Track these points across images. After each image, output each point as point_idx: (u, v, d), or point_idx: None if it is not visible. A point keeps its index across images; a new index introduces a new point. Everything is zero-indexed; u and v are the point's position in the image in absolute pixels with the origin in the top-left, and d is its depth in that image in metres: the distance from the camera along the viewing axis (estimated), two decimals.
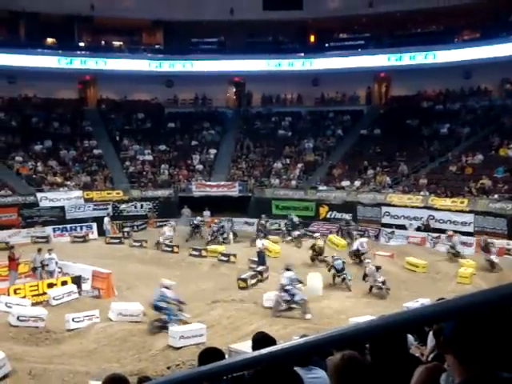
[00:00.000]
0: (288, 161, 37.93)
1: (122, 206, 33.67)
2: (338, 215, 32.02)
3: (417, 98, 40.13)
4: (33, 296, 19.60)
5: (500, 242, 26.07)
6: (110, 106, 41.80)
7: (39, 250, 22.51)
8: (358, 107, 41.75)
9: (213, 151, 39.35)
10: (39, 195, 32.11)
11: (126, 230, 31.58)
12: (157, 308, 17.22)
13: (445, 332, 1.97)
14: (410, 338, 6.03)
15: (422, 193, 30.80)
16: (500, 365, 1.90)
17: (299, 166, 37.00)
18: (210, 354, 4.19)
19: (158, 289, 17.55)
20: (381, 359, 3.27)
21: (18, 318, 16.76)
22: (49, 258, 22.04)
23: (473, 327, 1.82)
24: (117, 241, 29.48)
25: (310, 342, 2.14)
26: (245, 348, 11.16)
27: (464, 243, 27.28)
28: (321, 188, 34.19)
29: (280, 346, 2.36)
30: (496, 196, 28.17)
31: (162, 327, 16.67)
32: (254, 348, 4.26)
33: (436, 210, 29.18)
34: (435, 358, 4.87)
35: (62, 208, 32.09)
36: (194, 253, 26.58)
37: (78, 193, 33.07)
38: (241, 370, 3.52)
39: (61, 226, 31.14)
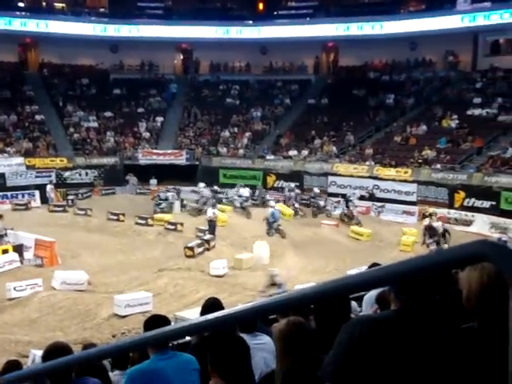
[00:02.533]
0: (236, 129, 37.78)
1: (66, 174, 32.91)
2: (286, 184, 32.21)
3: (364, 69, 40.44)
4: None
5: (441, 211, 26.83)
6: (53, 71, 40.46)
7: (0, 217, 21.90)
8: (305, 77, 41.76)
9: (160, 119, 38.79)
10: None
11: (70, 197, 30.90)
12: None
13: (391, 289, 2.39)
14: (354, 304, 6.11)
15: (367, 163, 31.26)
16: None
17: (247, 134, 36.92)
18: (155, 321, 4.13)
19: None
20: (325, 324, 3.28)
21: None
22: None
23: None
24: (60, 209, 28.84)
25: (255, 307, 2.11)
26: (191, 315, 11.16)
27: (407, 212, 28.02)
28: (268, 157, 34.25)
29: (225, 311, 2.31)
30: (438, 166, 28.86)
31: None
32: (203, 313, 4.23)
33: (381, 179, 29.71)
34: None
35: (3, 175, 31.10)
36: (141, 221, 26.32)
37: (20, 159, 32.08)
38: (185, 336, 3.50)
39: (1, 194, 30.24)
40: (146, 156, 35.09)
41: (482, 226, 25.26)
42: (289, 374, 2.96)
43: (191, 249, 21.48)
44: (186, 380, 3.80)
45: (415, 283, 2.28)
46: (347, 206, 27.59)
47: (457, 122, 32.21)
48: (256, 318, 4.42)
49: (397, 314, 2.30)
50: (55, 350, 3.61)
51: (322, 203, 28.95)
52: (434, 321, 2.34)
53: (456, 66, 37.69)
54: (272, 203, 26.39)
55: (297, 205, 28.97)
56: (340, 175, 31.10)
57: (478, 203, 26.43)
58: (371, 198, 29.53)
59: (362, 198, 29.81)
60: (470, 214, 26.20)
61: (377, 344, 2.15)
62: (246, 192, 29.40)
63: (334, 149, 33.64)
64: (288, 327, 2.98)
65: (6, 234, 21.50)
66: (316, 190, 29.98)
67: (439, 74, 37.66)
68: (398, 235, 24.44)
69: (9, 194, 30.41)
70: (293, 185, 31.21)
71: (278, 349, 3.06)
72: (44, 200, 30.27)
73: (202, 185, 30.72)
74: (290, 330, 2.97)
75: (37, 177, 31.87)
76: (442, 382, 2.19)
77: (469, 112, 32.66)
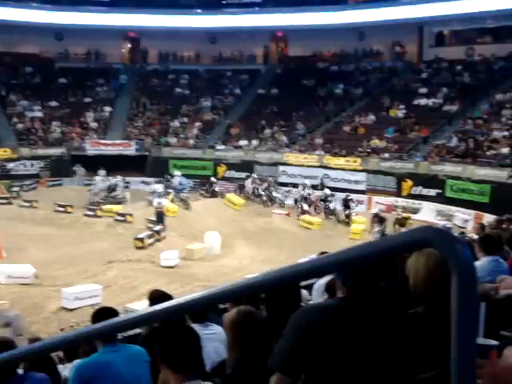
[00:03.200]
0: (186, 119, 37.50)
1: (10, 165, 32.02)
2: (236, 174, 32.20)
3: (313, 59, 40.68)
4: None
5: (389, 200, 27.36)
6: None
7: None
8: (255, 66, 41.77)
9: (107, 109, 38.12)
10: None
11: (14, 189, 30.10)
12: None
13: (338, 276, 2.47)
14: (304, 292, 6.18)
15: (317, 152, 31.53)
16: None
17: (197, 124, 36.70)
18: (103, 314, 4.07)
19: None
20: (276, 313, 3.30)
21: None
22: None
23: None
24: (5, 201, 28.07)
25: (204, 297, 2.10)
26: (141, 307, 11.06)
27: (356, 201, 28.39)
28: (218, 147, 34.15)
29: (173, 301, 2.29)
30: (386, 155, 29.36)
31: None
32: (151, 305, 4.19)
33: (330, 168, 30.03)
34: None
35: None
36: (89, 213, 25.89)
37: None
38: (133, 328, 3.46)
39: None
40: (93, 146, 34.47)
41: (429, 214, 25.87)
42: (240, 362, 2.96)
43: (141, 240, 21.28)
44: (136, 372, 3.77)
45: (360, 271, 2.33)
46: (347, 206, 26.30)
47: (404, 111, 32.82)
48: (205, 308, 4.41)
49: (342, 302, 2.36)
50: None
51: (274, 193, 29.04)
52: (378, 307, 2.38)
53: (403, 57, 38.38)
54: (177, 172, 26.16)
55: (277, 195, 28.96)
56: (290, 165, 31.28)
57: (425, 191, 27.06)
58: (322, 187, 29.79)
59: (313, 187, 30.06)
60: (417, 201, 26.79)
61: (323, 332, 2.18)
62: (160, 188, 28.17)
63: (284, 138, 33.79)
64: (239, 316, 2.99)
65: None
66: (270, 179, 30.11)
67: (386, 64, 38.25)
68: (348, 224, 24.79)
69: None
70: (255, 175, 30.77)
71: (229, 338, 3.06)
72: None
73: (102, 172, 30.52)
74: (240, 319, 2.98)
75: None
76: (388, 365, 2.24)
77: (415, 102, 33.32)
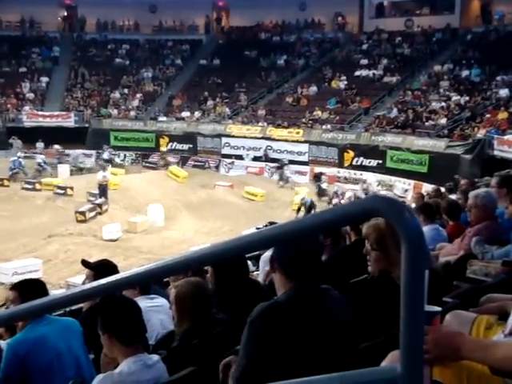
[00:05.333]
0: (126, 91, 36.73)
1: None
2: (179, 146, 31.91)
3: (255, 29, 40.40)
4: None
5: (331, 171, 27.71)
6: None
7: None
8: (196, 37, 41.15)
9: (44, 79, 36.88)
10: None
11: None
12: None
13: (273, 251, 2.34)
14: (249, 263, 6.21)
15: (260, 124, 31.52)
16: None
17: (138, 96, 36.02)
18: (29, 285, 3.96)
19: None
20: (224, 284, 3.31)
21: None
22: None
23: (292, 245, 2.19)
24: None
25: (152, 269, 2.05)
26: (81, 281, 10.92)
27: (299, 172, 28.70)
28: (161, 119, 33.67)
29: (118, 275, 2.25)
30: (329, 126, 29.63)
31: None
32: (98, 274, 4.11)
33: (274, 140, 30.11)
34: (272, 281, 5.06)
35: None
36: (27, 186, 25.15)
37: None
38: (81, 302, 3.41)
39: None
40: (30, 118, 33.39)
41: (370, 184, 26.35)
42: (188, 333, 2.96)
43: (82, 213, 20.91)
44: (71, 343, 3.71)
45: (303, 258, 2.23)
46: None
47: (345, 83, 33.10)
48: (152, 281, 4.37)
49: (294, 296, 2.23)
50: None
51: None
52: (327, 289, 2.33)
53: (344, 28, 38.57)
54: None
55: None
56: (233, 136, 31.18)
57: (366, 162, 27.50)
58: (266, 158, 29.89)
59: (255, 158, 30.15)
60: (358, 172, 27.22)
61: (283, 333, 2.09)
62: None
63: (227, 110, 33.61)
64: (186, 288, 2.98)
65: None
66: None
67: (328, 35, 38.38)
68: (291, 195, 25.01)
69: None
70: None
71: (176, 310, 3.05)
72: None
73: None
74: (188, 290, 2.97)
75: None
76: (343, 344, 2.22)
77: (356, 73, 33.65)
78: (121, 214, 22.00)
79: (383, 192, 23.73)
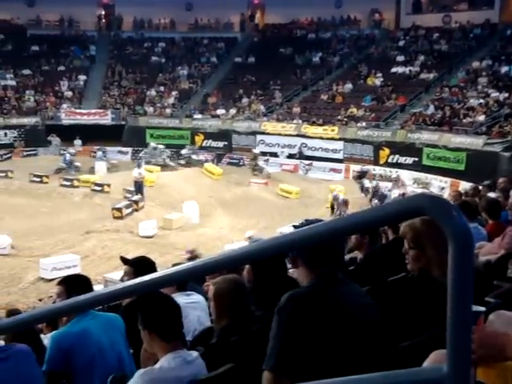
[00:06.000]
0: (162, 88, 37.04)
1: None
2: (214, 144, 32.05)
3: (290, 27, 40.30)
4: None
5: (366, 168, 27.49)
6: None
7: None
8: (232, 34, 41.25)
9: (82, 77, 37.46)
10: None
11: None
12: None
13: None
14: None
15: (295, 121, 31.45)
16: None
17: (174, 93, 36.30)
18: (76, 281, 4.06)
19: None
20: (262, 281, 3.31)
21: None
22: None
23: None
24: None
25: (192, 267, 2.08)
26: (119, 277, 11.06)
27: (333, 170, 28.56)
28: (196, 116, 33.87)
29: (162, 272, 2.27)
30: (364, 124, 29.41)
31: None
32: (137, 270, 4.16)
33: (308, 137, 30.01)
34: None
35: None
36: (66, 183, 25.59)
37: None
38: (123, 298, 3.45)
39: None
40: (69, 116, 33.98)
41: (406, 182, 26.05)
42: (226, 330, 2.98)
43: (119, 210, 21.17)
44: (114, 338, 3.77)
45: (326, 249, 2.32)
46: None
47: (381, 79, 32.80)
48: (193, 279, 4.41)
49: (318, 285, 2.30)
50: None
51: (259, 163, 29.02)
52: (349, 282, 2.41)
53: (380, 25, 38.20)
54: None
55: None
56: (268, 134, 31.18)
57: (402, 159, 27.20)
58: (300, 156, 29.82)
59: (290, 156, 30.11)
60: (394, 170, 26.94)
61: (310, 320, 2.13)
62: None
63: (262, 107, 33.62)
64: (225, 285, 3.00)
65: None
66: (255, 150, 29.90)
67: (364, 32, 38.06)
68: (326, 192, 24.90)
69: None
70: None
71: (215, 306, 3.08)
72: None
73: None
74: (227, 287, 2.99)
75: None
76: (374, 339, 2.23)
77: (393, 70, 33.31)
78: (156, 211, 22.21)
79: (419, 190, 23.42)
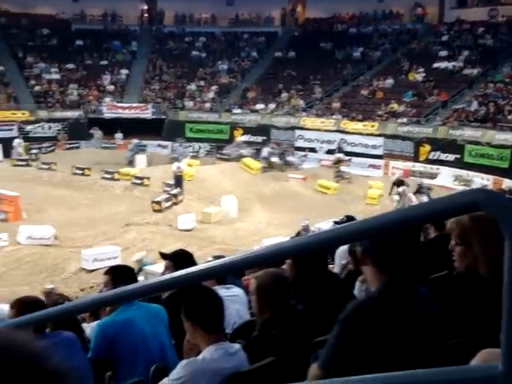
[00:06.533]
0: (202, 83, 37.24)
1: (29, 127, 32.12)
2: (253, 138, 32.08)
3: (331, 21, 40.01)
4: None
5: (406, 165, 27.16)
6: (11, 20, 38.96)
7: None
8: (272, 29, 41.18)
9: (124, 71, 37.94)
10: None
11: (33, 152, 30.25)
12: None
13: (365, 245, 2.29)
14: None
15: (334, 116, 31.26)
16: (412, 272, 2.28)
17: (213, 88, 36.45)
18: (121, 270, 4.15)
19: None
20: (303, 276, 3.31)
21: None
22: None
23: (387, 239, 2.17)
24: (24, 163, 28.27)
25: (233, 261, 2.09)
26: (160, 269, 11.18)
27: (372, 166, 28.28)
28: (235, 111, 33.96)
29: (203, 265, 2.30)
30: (404, 120, 29.03)
31: None
32: (177, 263, 4.22)
33: (348, 133, 29.79)
34: (348, 274, 5.04)
35: None
36: (107, 176, 25.99)
37: None
38: (167, 290, 3.50)
39: None
40: (110, 109, 34.46)
41: (446, 179, 25.66)
42: (268, 323, 2.99)
43: (158, 203, 21.40)
44: (157, 329, 3.83)
45: (398, 252, 2.21)
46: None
47: (423, 75, 32.31)
48: (234, 272, 4.44)
49: (386, 291, 2.21)
50: (29, 303, 3.58)
51: (291, 158, 28.95)
52: (414, 284, 2.30)
53: (423, 19, 37.61)
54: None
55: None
56: (307, 129, 31.07)
57: (443, 156, 26.78)
58: (339, 151, 29.59)
59: (329, 151, 29.93)
60: (434, 167, 26.55)
61: (375, 328, 2.08)
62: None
63: (301, 102, 33.51)
64: (267, 278, 3.01)
65: None
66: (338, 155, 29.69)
67: (406, 26, 37.54)
68: (365, 189, 24.70)
69: None
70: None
71: (257, 300, 3.09)
72: (6, 154, 29.59)
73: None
74: (269, 281, 3.00)
75: None
76: (429, 340, 2.18)
77: (435, 65, 32.76)
78: (195, 205, 22.38)
79: (460, 187, 22.99)
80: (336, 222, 6.93)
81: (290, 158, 28.88)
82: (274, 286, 3.01)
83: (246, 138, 30.98)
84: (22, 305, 3.66)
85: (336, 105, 32.32)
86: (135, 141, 30.54)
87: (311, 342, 2.73)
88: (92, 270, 15.15)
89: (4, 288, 14.13)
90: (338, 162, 27.44)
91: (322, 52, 37.23)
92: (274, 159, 28.28)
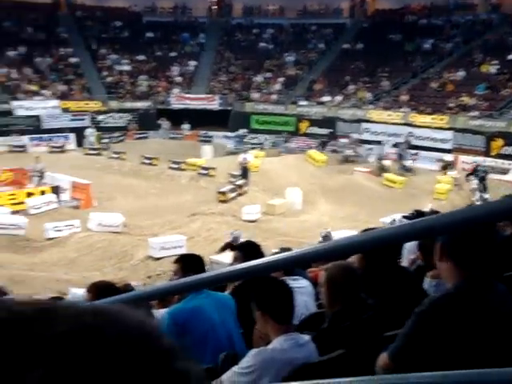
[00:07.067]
0: (269, 74, 37.31)
1: (100, 117, 33.09)
2: (319, 130, 31.94)
3: (401, 12, 39.23)
4: (11, 205, 19.51)
5: (476, 159, 26.37)
6: (86, 13, 40.16)
7: (37, 158, 22.58)
8: (340, 20, 40.74)
9: (192, 63, 38.47)
10: (14, 103, 31.37)
11: (104, 141, 31.16)
12: None
13: (443, 240, 2.25)
14: None
15: (402, 109, 30.71)
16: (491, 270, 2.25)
17: (280, 80, 36.45)
18: (190, 259, 4.25)
19: None
20: (373, 269, 3.32)
21: None
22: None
23: (467, 235, 2.15)
24: (95, 152, 29.16)
25: (303, 254, 2.12)
26: (225, 259, 11.35)
27: (442, 160, 27.61)
28: (301, 103, 33.86)
29: (272, 257, 2.34)
30: (476, 113, 28.20)
31: None
32: (245, 254, 4.29)
33: (416, 126, 29.21)
34: (417, 269, 4.98)
35: (38, 117, 31.43)
36: (173, 166, 26.48)
37: (55, 102, 32.34)
38: (236, 280, 3.58)
39: (36, 136, 30.59)
40: (178, 100, 35.03)
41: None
42: (337, 316, 3.02)
43: (224, 194, 21.63)
44: (224, 317, 3.91)
45: (479, 249, 2.17)
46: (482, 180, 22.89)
47: (497, 67, 31.25)
48: (307, 264, 4.46)
49: (464, 288, 2.19)
50: (104, 288, 3.74)
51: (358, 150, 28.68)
52: (492, 281, 2.26)
53: (498, 9, 36.32)
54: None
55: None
56: (374, 122, 30.65)
57: None
58: (406, 146, 29.05)
59: (396, 145, 29.42)
60: (506, 162, 25.68)
61: (451, 325, 2.07)
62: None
63: (369, 95, 33.07)
64: (337, 271, 3.04)
65: (43, 176, 22.00)
66: (353, 136, 29.48)
67: (480, 16, 36.37)
68: (432, 183, 24.17)
69: (44, 136, 30.77)
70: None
71: (326, 292, 3.12)
72: (79, 143, 30.61)
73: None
74: (339, 273, 3.03)
75: (72, 120, 32.15)
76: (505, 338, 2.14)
77: (510, 57, 31.60)
78: (260, 196, 22.48)
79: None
80: (405, 217, 6.85)
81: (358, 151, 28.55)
82: (344, 278, 3.03)
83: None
84: (98, 289, 3.82)
85: (404, 97, 31.74)
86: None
87: (381, 336, 2.73)
88: (159, 258, 15.49)
89: (76, 273, 14.67)
90: (446, 166, 26.52)
91: (390, 44, 36.58)
92: (386, 162, 27.07)
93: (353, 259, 3.89)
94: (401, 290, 3.20)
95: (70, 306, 0.53)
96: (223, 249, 11.94)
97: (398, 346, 2.14)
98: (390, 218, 16.63)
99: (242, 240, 12.47)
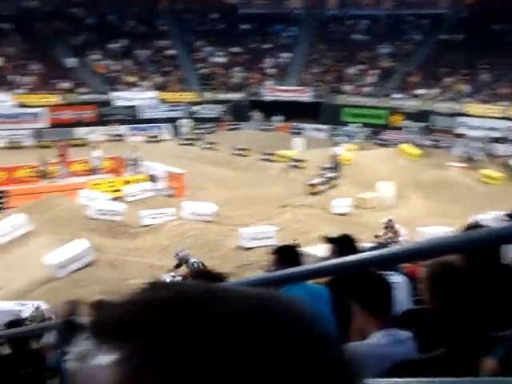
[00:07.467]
0: (362, 67, 36.76)
1: (194, 108, 33.85)
2: (412, 124, 31.16)
3: (503, 0, 37.47)
4: (111, 192, 20.37)
5: None
6: (184, 6, 41.04)
7: (134, 147, 23.55)
8: (438, 10, 39.44)
9: (286, 55, 38.53)
10: (114, 94, 32.66)
11: (197, 131, 31.88)
12: None
13: None
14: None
15: (502, 103, 29.42)
16: None
17: (373, 72, 35.83)
18: (288, 251, 4.29)
19: None
20: (476, 268, 3.25)
21: (97, 211, 17.51)
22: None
23: None
24: (189, 142, 29.90)
25: (411, 249, 2.12)
26: (316, 252, 11.35)
27: None
28: (395, 96, 33.15)
29: (369, 253, 2.36)
30: None
31: None
32: (342, 248, 4.31)
33: None
34: None
35: (136, 108, 32.58)
36: (264, 157, 26.69)
37: (153, 93, 33.45)
38: (335, 274, 3.59)
39: (133, 126, 31.71)
40: (270, 92, 35.22)
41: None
42: (438, 313, 2.98)
43: (314, 186, 21.61)
44: (321, 309, 3.93)
45: None
46: None
47: None
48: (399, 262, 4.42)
49: None
50: (210, 277, 3.86)
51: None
52: None
53: None
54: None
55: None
56: (471, 116, 29.54)
57: None
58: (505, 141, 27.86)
59: (494, 140, 28.26)
60: None
61: None
62: None
63: (467, 88, 31.89)
64: (439, 268, 3.00)
65: (137, 165, 22.83)
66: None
67: None
68: None
69: (142, 126, 31.87)
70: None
71: (427, 288, 3.09)
72: (174, 133, 31.48)
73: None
74: (441, 270, 2.99)
75: (168, 110, 33.10)
76: None
77: None
78: (349, 189, 22.27)
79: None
80: (508, 215, 6.63)
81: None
82: (446, 275, 2.98)
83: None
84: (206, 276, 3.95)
85: (505, 90, 30.39)
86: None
87: (485, 336, 2.67)
88: (249, 248, 15.71)
89: (168, 259, 15.11)
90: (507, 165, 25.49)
91: (491, 34, 35.06)
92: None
93: (454, 256, 3.82)
94: (505, 288, 3.12)
95: (233, 290, 0.56)
96: (177, 266, 11.89)
97: (507, 351, 2.10)
98: (486, 215, 16.02)
99: (192, 260, 11.98)
